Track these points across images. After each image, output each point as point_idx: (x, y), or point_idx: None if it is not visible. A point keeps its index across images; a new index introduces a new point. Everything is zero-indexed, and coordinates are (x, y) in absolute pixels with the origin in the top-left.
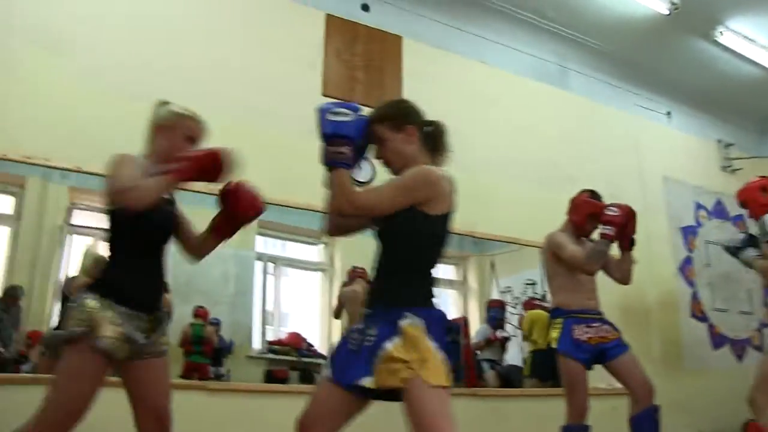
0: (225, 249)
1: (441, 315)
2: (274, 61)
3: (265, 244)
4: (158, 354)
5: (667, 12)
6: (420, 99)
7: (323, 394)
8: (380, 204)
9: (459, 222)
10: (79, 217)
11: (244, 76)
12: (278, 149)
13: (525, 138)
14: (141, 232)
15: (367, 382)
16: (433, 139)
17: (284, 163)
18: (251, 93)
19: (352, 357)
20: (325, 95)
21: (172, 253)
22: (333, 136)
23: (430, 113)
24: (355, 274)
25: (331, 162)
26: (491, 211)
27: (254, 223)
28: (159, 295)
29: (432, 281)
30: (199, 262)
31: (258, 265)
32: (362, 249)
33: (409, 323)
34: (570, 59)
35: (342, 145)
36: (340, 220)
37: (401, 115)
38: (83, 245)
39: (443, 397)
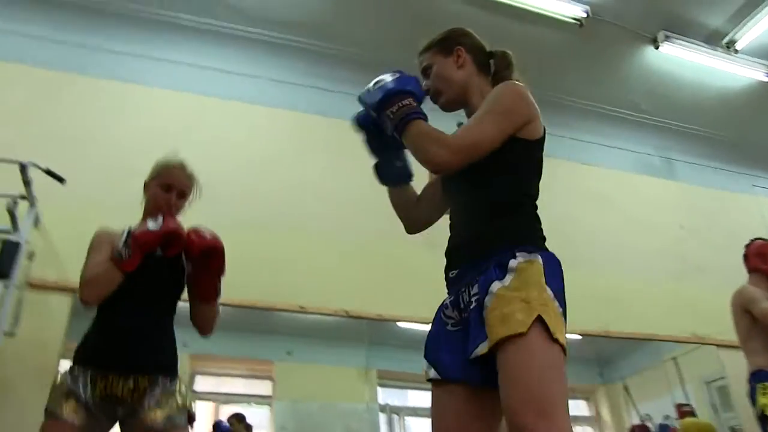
0: (345, 404)
1: (557, 260)
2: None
3: (386, 395)
4: (159, 427)
5: (767, 78)
6: None
7: (440, 406)
8: (484, 138)
9: (590, 324)
10: (201, 384)
11: (362, 200)
12: (399, 267)
13: (645, 232)
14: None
15: (482, 348)
16: (496, 67)
17: (406, 279)
18: (369, 216)
19: (458, 337)
20: None
21: None
22: (387, 96)
23: (543, 218)
24: None
25: (403, 119)
26: (622, 310)
27: (374, 375)
28: (141, 354)
29: (539, 220)
30: (208, 335)
31: (382, 418)
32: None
33: (524, 260)
34: (673, 149)
35: (403, 99)
36: (415, 211)
37: (448, 36)
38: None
39: (560, 357)
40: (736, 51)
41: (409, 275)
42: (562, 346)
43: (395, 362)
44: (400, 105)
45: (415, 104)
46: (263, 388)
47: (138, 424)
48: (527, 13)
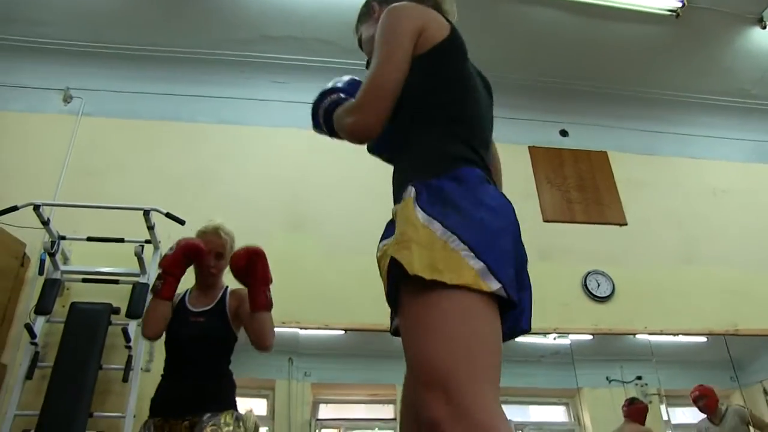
0: None
1: (455, 180)
2: None
3: (508, 412)
4: None
5: None
6: (641, 206)
7: None
8: (382, 78)
9: (716, 323)
10: (324, 411)
11: None
12: None
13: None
14: (167, 347)
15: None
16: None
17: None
18: None
19: None
20: (545, 221)
21: None
22: (315, 102)
23: (657, 217)
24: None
25: (326, 114)
26: (752, 306)
27: None
28: (190, 400)
29: (456, 134)
30: (268, 350)
31: None
32: (610, 403)
33: (401, 202)
34: None
35: (329, 96)
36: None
37: (364, 3)
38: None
39: (457, 301)
40: None
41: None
42: (464, 287)
43: (516, 378)
44: (326, 102)
45: (336, 97)
46: (386, 412)
47: None
48: (619, 11)
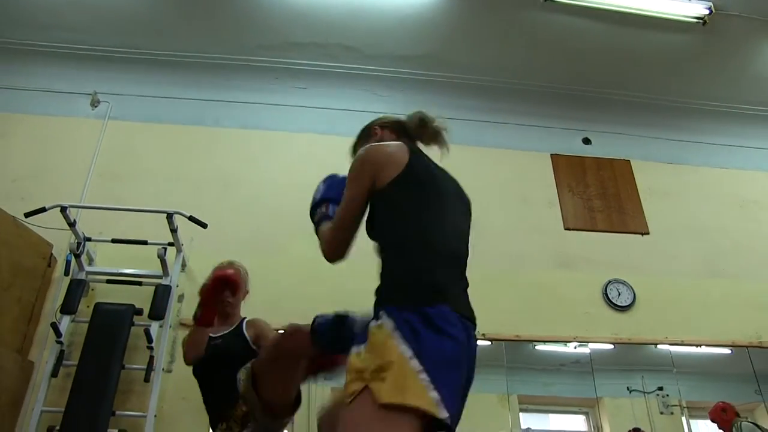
0: (488, 431)
1: (430, 315)
2: (515, 206)
3: (527, 420)
4: None
5: None
6: (664, 215)
7: None
8: (345, 213)
9: (741, 334)
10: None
11: (492, 227)
12: (531, 286)
13: None
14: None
15: None
16: (412, 127)
17: (537, 298)
18: (501, 240)
19: None
20: (567, 229)
21: None
22: (311, 210)
23: (679, 227)
24: None
25: (316, 228)
26: None
27: (515, 400)
28: (219, 410)
29: (430, 260)
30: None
31: None
32: (631, 413)
33: (375, 324)
34: None
35: (320, 207)
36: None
37: (365, 127)
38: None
39: (395, 421)
40: None
41: (545, 298)
42: (407, 406)
43: (535, 386)
44: (318, 214)
45: (324, 211)
46: None
47: None
48: (644, 18)
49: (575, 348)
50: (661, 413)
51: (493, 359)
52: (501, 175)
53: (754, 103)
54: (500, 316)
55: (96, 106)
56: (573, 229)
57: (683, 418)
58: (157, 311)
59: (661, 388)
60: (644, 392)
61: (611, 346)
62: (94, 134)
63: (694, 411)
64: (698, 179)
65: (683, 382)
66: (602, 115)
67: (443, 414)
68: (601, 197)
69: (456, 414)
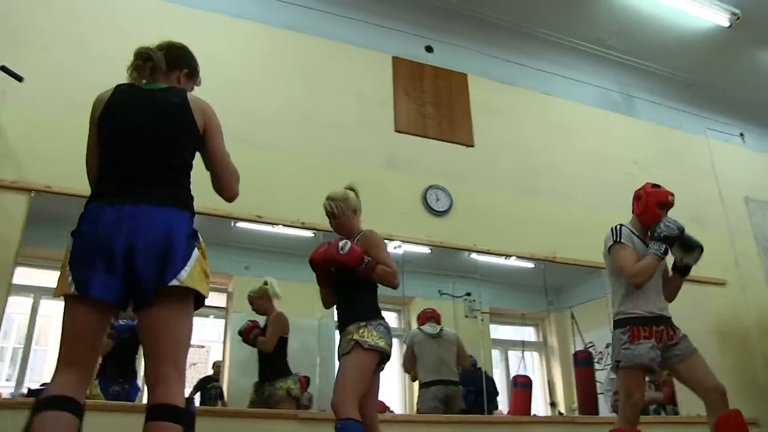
0: (300, 318)
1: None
2: (350, 102)
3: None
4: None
5: (728, 24)
6: (490, 131)
7: None
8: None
9: (540, 249)
10: None
11: (324, 118)
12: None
13: (600, 166)
14: None
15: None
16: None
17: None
18: (331, 132)
19: None
20: (397, 131)
21: None
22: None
23: (502, 144)
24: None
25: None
26: (571, 239)
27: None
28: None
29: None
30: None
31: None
32: (441, 312)
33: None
34: (634, 86)
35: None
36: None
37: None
38: None
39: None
40: None
41: (366, 195)
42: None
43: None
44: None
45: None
46: (219, 300)
47: None
48: None
49: (394, 249)
50: (466, 316)
51: (312, 249)
52: (341, 69)
53: (586, 39)
54: (321, 207)
55: None
56: (403, 132)
57: (481, 321)
58: None
59: (469, 294)
60: (453, 296)
61: (428, 250)
62: None
63: (495, 317)
64: (526, 101)
65: (489, 290)
66: (448, 26)
67: (71, 289)
68: (434, 105)
69: (88, 279)
